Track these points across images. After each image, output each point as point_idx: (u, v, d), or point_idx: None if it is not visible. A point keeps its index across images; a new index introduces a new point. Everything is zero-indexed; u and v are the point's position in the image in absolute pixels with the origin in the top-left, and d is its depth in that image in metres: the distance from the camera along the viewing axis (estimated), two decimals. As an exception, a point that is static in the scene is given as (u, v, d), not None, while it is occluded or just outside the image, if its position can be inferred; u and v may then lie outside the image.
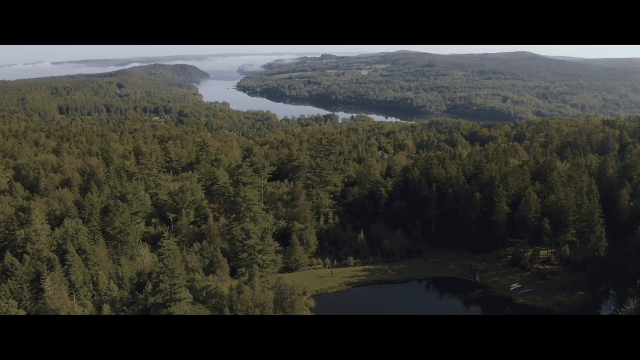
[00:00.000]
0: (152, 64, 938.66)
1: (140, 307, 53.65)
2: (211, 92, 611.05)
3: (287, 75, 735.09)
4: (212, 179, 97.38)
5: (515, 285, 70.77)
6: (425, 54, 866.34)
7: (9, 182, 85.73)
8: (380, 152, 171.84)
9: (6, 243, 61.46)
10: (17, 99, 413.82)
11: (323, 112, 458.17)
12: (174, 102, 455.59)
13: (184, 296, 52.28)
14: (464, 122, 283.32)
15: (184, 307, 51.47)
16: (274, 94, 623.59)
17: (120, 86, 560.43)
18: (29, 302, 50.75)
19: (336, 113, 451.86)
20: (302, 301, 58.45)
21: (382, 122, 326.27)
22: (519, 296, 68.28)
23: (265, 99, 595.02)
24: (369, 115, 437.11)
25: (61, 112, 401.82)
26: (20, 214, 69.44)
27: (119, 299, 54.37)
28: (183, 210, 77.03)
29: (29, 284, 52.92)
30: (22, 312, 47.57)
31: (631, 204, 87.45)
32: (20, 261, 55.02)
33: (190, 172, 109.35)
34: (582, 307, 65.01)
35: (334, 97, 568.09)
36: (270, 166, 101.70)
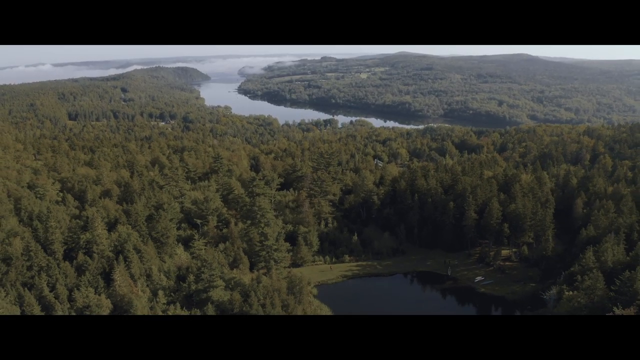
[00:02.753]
0: (154, 66, 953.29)
1: (184, 293, 69.94)
2: (213, 95, 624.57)
3: (287, 78, 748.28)
4: (228, 189, 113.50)
5: (479, 278, 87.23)
6: (424, 56, 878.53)
7: (59, 193, 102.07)
8: (375, 160, 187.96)
9: (73, 245, 77.60)
10: (26, 104, 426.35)
11: (323, 116, 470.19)
12: (178, 106, 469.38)
13: (219, 284, 68.76)
14: (456, 129, 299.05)
15: (219, 292, 67.93)
16: (274, 97, 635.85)
17: (124, 90, 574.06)
18: (102, 289, 66.87)
19: (335, 117, 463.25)
20: (307, 289, 74.73)
21: (379, 128, 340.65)
22: (480, 286, 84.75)
23: (266, 102, 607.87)
24: (367, 119, 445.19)
25: (70, 117, 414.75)
26: (77, 221, 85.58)
27: (167, 287, 70.71)
28: (209, 216, 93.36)
29: (99, 276, 69.18)
30: (102, 297, 63.54)
31: (584, 211, 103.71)
32: (90, 258, 71.35)
33: (206, 182, 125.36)
34: (532, 295, 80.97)
35: (333, 101, 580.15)
36: (278, 177, 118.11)
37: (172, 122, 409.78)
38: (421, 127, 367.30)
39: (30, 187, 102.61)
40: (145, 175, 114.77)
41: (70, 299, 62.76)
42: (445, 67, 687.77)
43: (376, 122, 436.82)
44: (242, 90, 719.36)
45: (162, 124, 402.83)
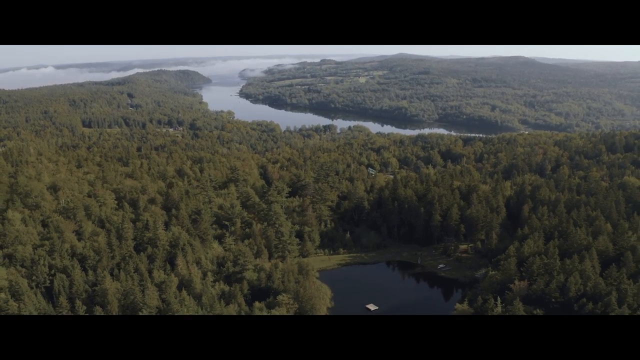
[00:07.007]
0: (156, 69, 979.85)
1: (224, 274, 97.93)
2: (215, 99, 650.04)
3: (287, 82, 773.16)
4: (246, 196, 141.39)
5: (441, 265, 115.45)
6: (422, 59, 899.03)
7: (116, 201, 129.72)
8: (368, 168, 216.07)
9: (140, 241, 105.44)
10: (41, 111, 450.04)
11: (322, 121, 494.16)
12: (184, 112, 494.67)
13: (250, 267, 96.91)
14: (445, 137, 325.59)
15: (250, 273, 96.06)
16: (275, 102, 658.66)
17: (130, 96, 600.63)
18: (169, 271, 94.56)
19: (334, 122, 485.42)
20: (312, 272, 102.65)
21: (375, 135, 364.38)
22: (441, 272, 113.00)
23: (267, 106, 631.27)
24: (365, 124, 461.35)
25: (84, 124, 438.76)
26: (137, 223, 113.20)
27: (212, 270, 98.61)
28: (235, 219, 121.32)
29: (164, 263, 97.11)
30: (171, 275, 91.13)
31: (529, 214, 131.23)
32: (157, 250, 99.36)
33: (226, 190, 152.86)
34: (477, 278, 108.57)
35: (332, 106, 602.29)
36: (287, 187, 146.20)
37: (180, 128, 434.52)
38: (416, 132, 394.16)
39: (91, 196, 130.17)
40: (180, 186, 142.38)
41: (150, 277, 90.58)
42: (442, 71, 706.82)
43: (373, 127, 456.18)
44: (244, 94, 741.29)
45: (171, 130, 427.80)
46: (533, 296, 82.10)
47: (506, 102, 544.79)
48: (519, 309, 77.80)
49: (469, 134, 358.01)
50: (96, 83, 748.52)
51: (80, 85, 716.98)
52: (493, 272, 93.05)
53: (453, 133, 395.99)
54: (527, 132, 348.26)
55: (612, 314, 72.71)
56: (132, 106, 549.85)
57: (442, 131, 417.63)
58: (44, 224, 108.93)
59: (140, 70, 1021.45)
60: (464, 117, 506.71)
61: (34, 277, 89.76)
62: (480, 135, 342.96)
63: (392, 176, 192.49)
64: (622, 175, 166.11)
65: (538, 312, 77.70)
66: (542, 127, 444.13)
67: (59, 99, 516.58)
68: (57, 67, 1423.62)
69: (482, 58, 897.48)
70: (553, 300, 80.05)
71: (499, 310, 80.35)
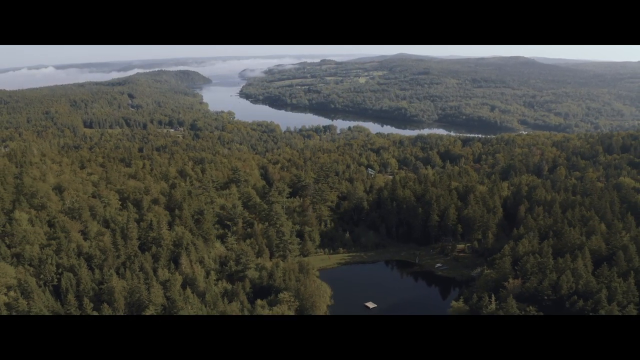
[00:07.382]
0: (156, 69, 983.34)
1: (227, 273, 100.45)
2: (215, 99, 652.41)
3: (287, 82, 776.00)
4: (248, 197, 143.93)
5: (438, 264, 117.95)
6: (422, 58, 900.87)
7: (120, 202, 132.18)
8: (368, 169, 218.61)
9: (144, 240, 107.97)
10: (42, 112, 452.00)
11: (322, 121, 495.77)
12: (184, 112, 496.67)
13: (252, 266, 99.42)
14: (445, 137, 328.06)
15: (252, 272, 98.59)
16: (275, 102, 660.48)
17: (131, 96, 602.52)
18: (173, 270, 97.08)
19: (334, 122, 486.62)
20: (312, 271, 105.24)
21: (375, 135, 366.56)
22: (439, 270, 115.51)
23: (267, 107, 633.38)
24: (365, 125, 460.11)
25: (85, 125, 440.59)
26: (142, 223, 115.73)
27: (215, 269, 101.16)
28: (237, 219, 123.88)
29: (168, 262, 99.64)
30: (176, 274, 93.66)
31: (525, 214, 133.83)
32: (162, 249, 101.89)
33: (227, 190, 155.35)
34: (473, 276, 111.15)
35: (332, 106, 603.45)
36: (287, 187, 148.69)
37: (181, 129, 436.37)
38: (415, 132, 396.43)
39: (96, 197, 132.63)
40: (183, 186, 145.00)
41: (155, 276, 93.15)
42: (442, 72, 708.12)
43: (373, 127, 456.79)
44: (244, 95, 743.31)
45: (172, 131, 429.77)
46: (526, 294, 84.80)
47: (505, 102, 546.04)
48: (513, 306, 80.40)
49: (468, 135, 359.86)
50: (97, 83, 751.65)
51: (81, 85, 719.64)
52: (488, 271, 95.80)
53: (452, 133, 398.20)
54: (525, 133, 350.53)
55: (602, 311, 75.30)
56: (132, 107, 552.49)
57: (441, 131, 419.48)
58: (50, 224, 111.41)
59: (141, 71, 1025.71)
60: (464, 117, 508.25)
61: (42, 276, 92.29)
62: (479, 135, 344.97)
63: (391, 177, 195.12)
64: (618, 176, 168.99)
65: (531, 309, 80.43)
66: (541, 128, 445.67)
67: (60, 100, 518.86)
68: (57, 67, 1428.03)
69: (482, 58, 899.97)
70: (545, 297, 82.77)
71: (493, 307, 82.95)
